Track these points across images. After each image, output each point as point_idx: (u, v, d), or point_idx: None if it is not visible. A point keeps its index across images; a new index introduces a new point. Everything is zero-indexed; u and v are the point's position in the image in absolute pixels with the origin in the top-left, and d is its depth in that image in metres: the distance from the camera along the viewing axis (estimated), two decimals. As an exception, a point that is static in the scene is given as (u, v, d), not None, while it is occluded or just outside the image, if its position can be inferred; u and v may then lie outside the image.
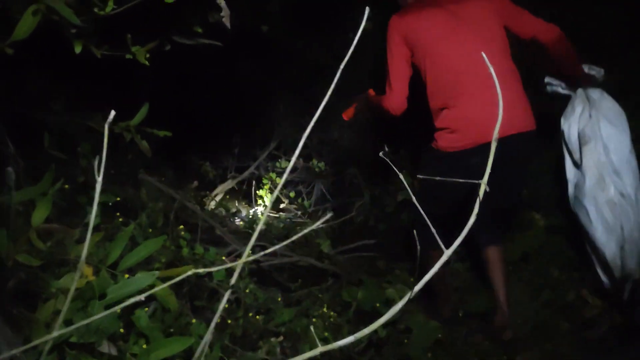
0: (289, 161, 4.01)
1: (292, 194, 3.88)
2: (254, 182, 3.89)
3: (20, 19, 1.60)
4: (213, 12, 2.00)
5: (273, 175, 3.91)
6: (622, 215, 2.39)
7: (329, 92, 0.94)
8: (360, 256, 3.25)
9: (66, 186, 1.93)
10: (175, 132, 2.54)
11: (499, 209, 2.60)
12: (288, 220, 3.30)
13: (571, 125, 2.58)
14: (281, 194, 3.83)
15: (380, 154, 1.36)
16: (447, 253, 0.85)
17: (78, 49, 1.77)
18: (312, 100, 4.05)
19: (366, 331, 0.81)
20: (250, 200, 3.87)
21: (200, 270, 0.89)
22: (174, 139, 2.42)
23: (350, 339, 0.79)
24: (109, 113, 2.44)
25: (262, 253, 0.99)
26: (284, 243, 0.93)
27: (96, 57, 1.88)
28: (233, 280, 0.98)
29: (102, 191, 2.22)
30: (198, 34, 2.00)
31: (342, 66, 0.93)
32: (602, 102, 2.51)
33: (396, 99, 2.54)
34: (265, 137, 4.10)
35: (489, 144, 2.34)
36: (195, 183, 3.81)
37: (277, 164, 3.99)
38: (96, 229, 1.97)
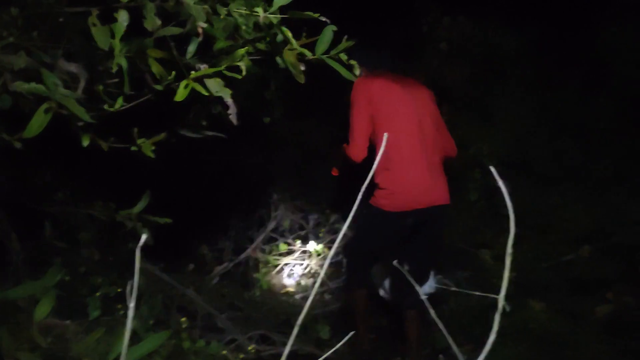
0: (287, 243, 4.00)
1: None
2: (250, 264, 3.85)
3: (31, 115, 1.63)
4: (217, 105, 2.06)
5: (270, 257, 3.88)
6: None
7: (348, 222, 0.96)
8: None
9: (67, 278, 1.92)
10: (173, 214, 2.55)
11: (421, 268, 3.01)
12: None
13: None
14: (281, 276, 3.79)
15: (394, 262, 1.38)
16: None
17: (85, 143, 1.79)
18: (308, 183, 4.11)
19: None
20: (246, 283, 3.82)
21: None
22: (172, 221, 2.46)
23: None
24: (110, 201, 2.42)
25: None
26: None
27: (100, 147, 1.91)
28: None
29: (103, 281, 2.20)
30: (203, 126, 2.05)
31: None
32: None
33: (360, 149, 2.89)
34: (262, 219, 4.10)
35: (422, 209, 2.82)
36: (192, 266, 3.78)
37: (274, 247, 3.98)
38: (97, 321, 1.94)
